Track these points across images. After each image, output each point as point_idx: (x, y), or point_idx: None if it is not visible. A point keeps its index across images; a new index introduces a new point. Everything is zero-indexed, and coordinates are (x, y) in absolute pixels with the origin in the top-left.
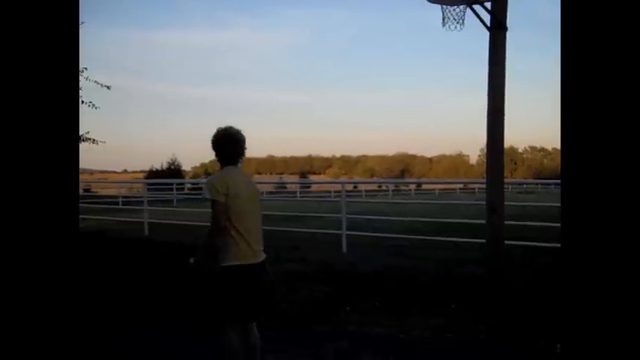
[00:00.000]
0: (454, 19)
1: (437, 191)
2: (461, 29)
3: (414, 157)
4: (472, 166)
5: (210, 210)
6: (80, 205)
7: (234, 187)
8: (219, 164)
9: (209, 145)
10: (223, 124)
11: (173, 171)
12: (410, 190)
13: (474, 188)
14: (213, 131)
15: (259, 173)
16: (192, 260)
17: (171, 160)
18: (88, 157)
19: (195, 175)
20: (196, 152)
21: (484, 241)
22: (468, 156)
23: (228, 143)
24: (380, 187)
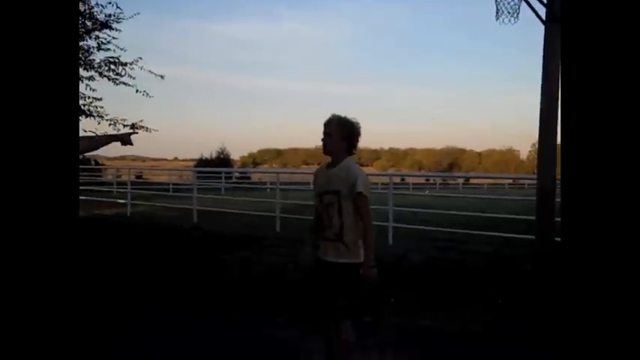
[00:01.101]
0: (508, 12)
1: (485, 186)
2: (515, 22)
3: (462, 151)
4: (522, 161)
5: (362, 204)
6: (132, 191)
7: None
8: (336, 154)
9: (257, 134)
10: (272, 115)
11: (222, 160)
12: (458, 184)
13: (523, 184)
14: (327, 116)
15: (307, 164)
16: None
17: (221, 149)
18: (141, 145)
19: (243, 164)
20: (245, 142)
21: (533, 237)
22: (518, 151)
23: (359, 134)
24: (428, 180)
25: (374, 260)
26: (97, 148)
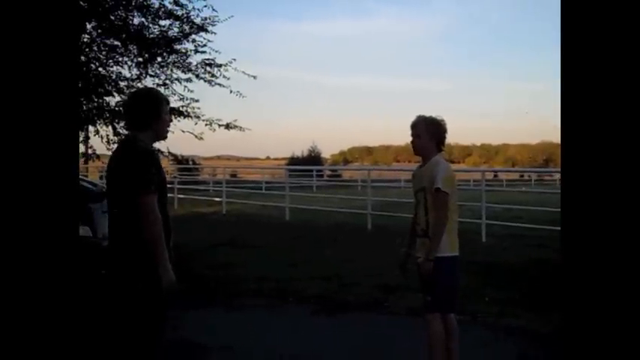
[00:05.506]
0: None
1: None
2: None
3: (559, 146)
4: None
5: (436, 200)
6: (227, 189)
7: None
8: (427, 153)
9: (348, 134)
10: (361, 112)
11: (313, 158)
12: (554, 180)
13: None
14: (412, 118)
15: (398, 161)
16: (403, 250)
17: (312, 147)
18: (235, 144)
19: (334, 162)
20: (335, 140)
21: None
22: None
23: (446, 132)
24: (522, 176)
25: (433, 255)
26: None
